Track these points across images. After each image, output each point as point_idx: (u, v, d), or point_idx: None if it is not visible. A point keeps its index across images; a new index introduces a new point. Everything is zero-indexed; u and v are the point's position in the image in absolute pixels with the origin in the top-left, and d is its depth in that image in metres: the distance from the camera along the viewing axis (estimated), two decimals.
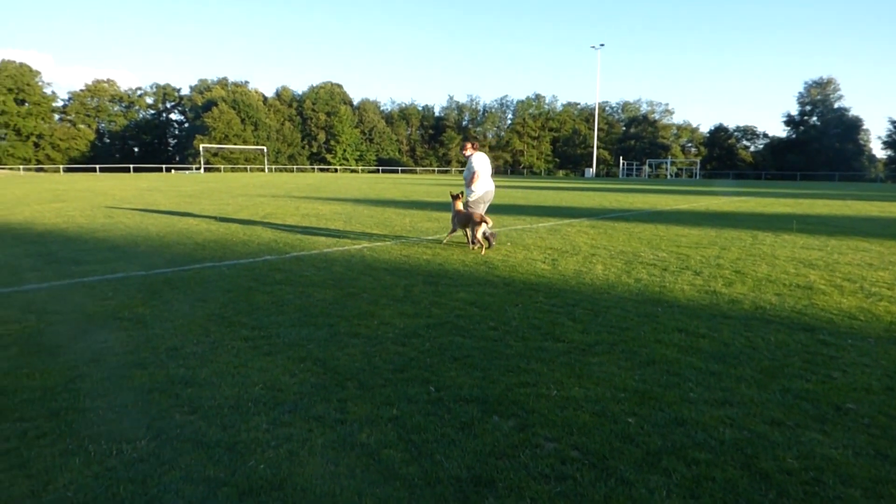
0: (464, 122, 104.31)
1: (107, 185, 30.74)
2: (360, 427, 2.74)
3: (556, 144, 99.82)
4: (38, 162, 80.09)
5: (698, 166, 76.28)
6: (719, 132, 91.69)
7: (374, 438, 2.63)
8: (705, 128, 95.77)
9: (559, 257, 7.70)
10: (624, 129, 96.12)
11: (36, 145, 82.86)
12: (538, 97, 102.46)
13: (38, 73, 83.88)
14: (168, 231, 10.24)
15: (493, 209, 15.92)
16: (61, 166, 74.35)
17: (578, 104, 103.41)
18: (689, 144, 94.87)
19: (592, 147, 79.83)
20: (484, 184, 8.41)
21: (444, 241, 8.94)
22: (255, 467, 2.37)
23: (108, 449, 2.50)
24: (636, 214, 14.92)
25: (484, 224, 7.84)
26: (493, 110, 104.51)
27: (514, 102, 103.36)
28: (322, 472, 2.34)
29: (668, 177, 74.41)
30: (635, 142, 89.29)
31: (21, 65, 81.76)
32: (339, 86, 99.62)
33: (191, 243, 8.77)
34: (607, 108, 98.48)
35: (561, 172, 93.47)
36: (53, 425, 2.71)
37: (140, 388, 3.16)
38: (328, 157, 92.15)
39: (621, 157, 79.22)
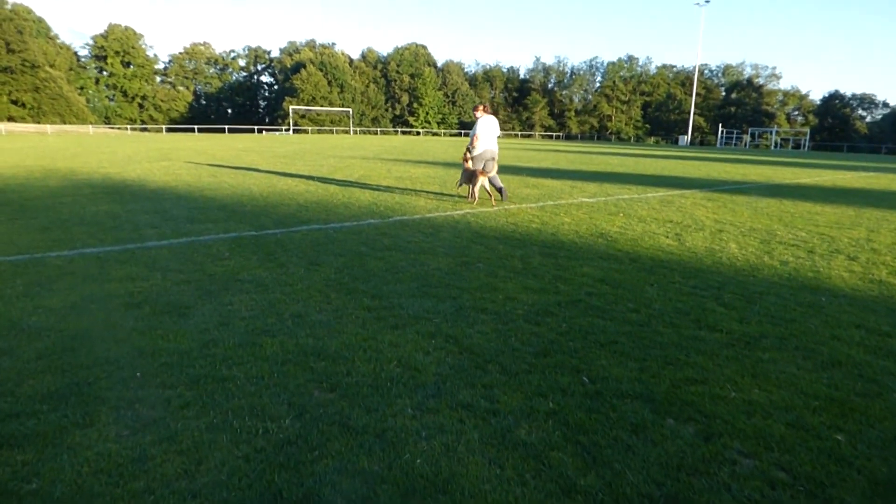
0: (550, 85, 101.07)
1: (205, 144, 32.26)
2: (517, 421, 2.44)
3: (648, 110, 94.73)
4: (143, 122, 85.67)
5: (808, 137, 69.73)
6: (833, 100, 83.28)
7: (536, 437, 2.32)
8: (816, 95, 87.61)
9: (682, 232, 7.03)
10: (724, 94, 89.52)
11: (140, 106, 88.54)
12: (631, 59, 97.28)
13: (141, 35, 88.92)
14: (270, 191, 10.39)
15: (592, 176, 14.98)
16: (163, 126, 79.13)
17: (674, 67, 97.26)
18: (796, 113, 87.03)
19: (688, 113, 74.95)
20: (483, 143, 9.26)
21: (458, 190, 10.32)
22: (412, 462, 2.12)
23: (254, 426, 2.33)
24: (753, 187, 13.63)
25: (483, 179, 8.91)
26: (582, 73, 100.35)
27: (605, 64, 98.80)
28: (488, 475, 2.06)
29: (773, 147, 68.72)
30: (736, 108, 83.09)
31: (126, 28, 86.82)
32: (424, 47, 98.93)
33: (294, 204, 8.80)
34: (706, 72, 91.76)
35: (651, 139, 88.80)
36: (195, 394, 2.60)
37: (273, 359, 3.01)
38: (411, 119, 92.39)
39: (720, 125, 73.86)
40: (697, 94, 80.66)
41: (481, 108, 9.45)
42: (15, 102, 67.81)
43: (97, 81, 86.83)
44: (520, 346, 3.25)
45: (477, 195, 9.11)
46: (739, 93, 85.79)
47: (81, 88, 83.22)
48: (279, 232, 6.58)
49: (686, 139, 69.27)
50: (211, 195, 9.76)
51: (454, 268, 5.02)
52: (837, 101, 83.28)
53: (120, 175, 13.20)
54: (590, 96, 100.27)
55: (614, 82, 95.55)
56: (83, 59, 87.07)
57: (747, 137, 70.87)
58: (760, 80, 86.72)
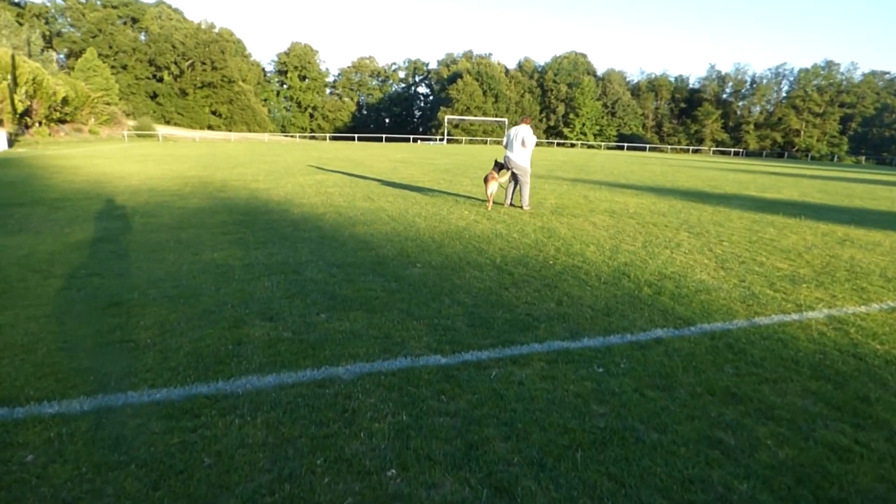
0: (724, 95, 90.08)
1: (363, 154, 31.04)
2: None
3: (849, 124, 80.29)
4: (312, 131, 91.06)
5: None
6: None
7: None
8: None
9: None
10: None
11: (311, 116, 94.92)
12: (829, 65, 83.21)
13: (316, 52, 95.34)
14: (443, 233, 7.25)
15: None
16: (328, 135, 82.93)
17: (886, 74, 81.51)
18: None
19: None
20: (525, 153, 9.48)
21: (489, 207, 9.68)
22: None
23: None
24: None
25: (494, 183, 9.38)
26: (766, 81, 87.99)
27: (795, 72, 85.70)
28: None
29: None
30: None
31: (305, 45, 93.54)
32: (584, 55, 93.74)
33: (489, 267, 5.49)
34: None
35: (851, 159, 74.78)
36: None
37: None
38: (565, 130, 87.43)
39: None
40: None
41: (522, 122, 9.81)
42: (214, 113, 76.89)
43: (278, 94, 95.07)
44: None
45: (492, 199, 9.70)
46: None
47: (265, 100, 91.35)
48: (488, 358, 3.23)
49: None
50: (365, 236, 6.85)
51: None
52: None
53: (267, 193, 11.08)
54: (772, 107, 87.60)
55: (806, 91, 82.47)
56: (268, 74, 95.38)
57: None
58: None
